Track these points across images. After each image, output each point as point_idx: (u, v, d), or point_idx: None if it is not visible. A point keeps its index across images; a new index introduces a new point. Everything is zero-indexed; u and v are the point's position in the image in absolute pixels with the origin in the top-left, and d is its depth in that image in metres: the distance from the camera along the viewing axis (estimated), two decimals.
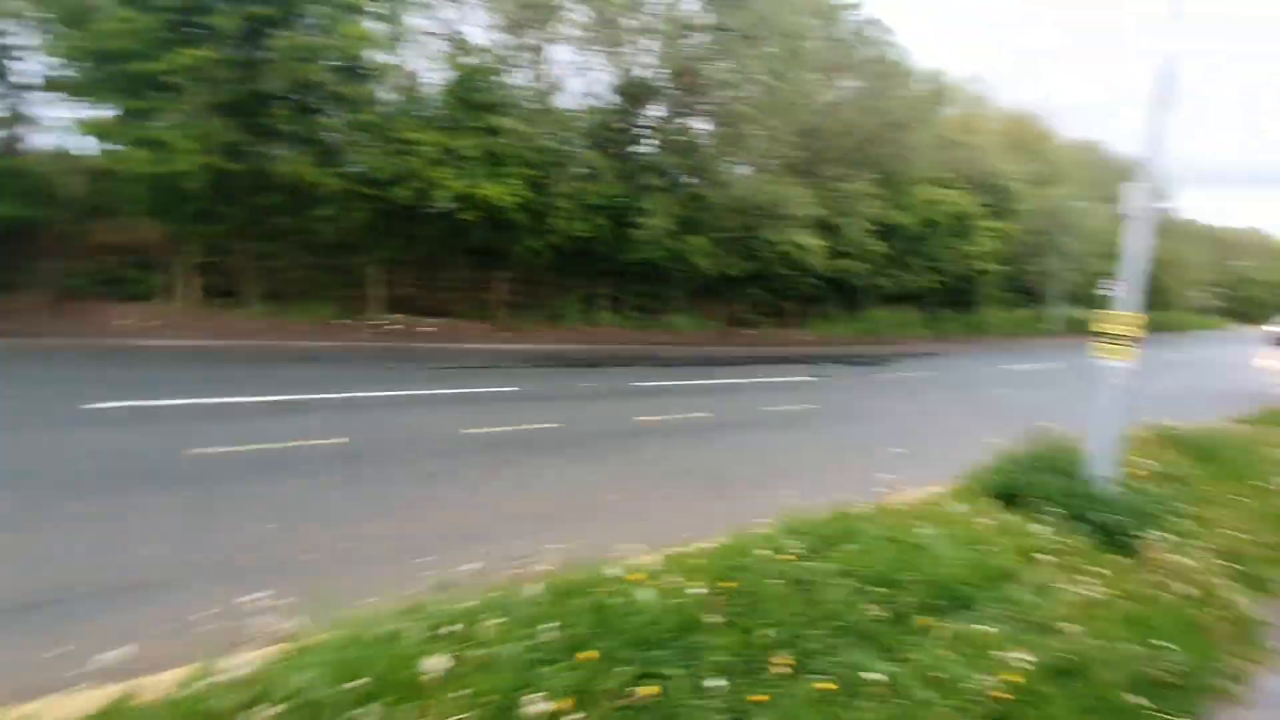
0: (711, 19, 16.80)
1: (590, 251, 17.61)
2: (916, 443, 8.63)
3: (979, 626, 3.33)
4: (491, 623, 2.72)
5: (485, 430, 7.29)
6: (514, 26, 16.56)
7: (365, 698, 2.26)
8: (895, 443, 8.55)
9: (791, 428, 9.05)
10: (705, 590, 3.14)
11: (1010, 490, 5.51)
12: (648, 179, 17.91)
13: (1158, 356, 24.81)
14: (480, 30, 16.34)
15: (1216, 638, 3.84)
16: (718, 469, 6.82)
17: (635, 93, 18.30)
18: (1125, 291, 5.45)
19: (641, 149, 19.53)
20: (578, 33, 16.41)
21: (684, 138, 19.58)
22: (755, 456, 7.45)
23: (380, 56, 14.38)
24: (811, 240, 20.16)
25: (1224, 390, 15.95)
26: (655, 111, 19.60)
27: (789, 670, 2.77)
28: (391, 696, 2.28)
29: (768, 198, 19.34)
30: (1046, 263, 32.10)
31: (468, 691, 2.33)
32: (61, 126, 13.22)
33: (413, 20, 15.15)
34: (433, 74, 16.01)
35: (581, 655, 2.51)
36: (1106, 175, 40.52)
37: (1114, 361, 5.48)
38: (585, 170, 17.02)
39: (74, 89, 12.35)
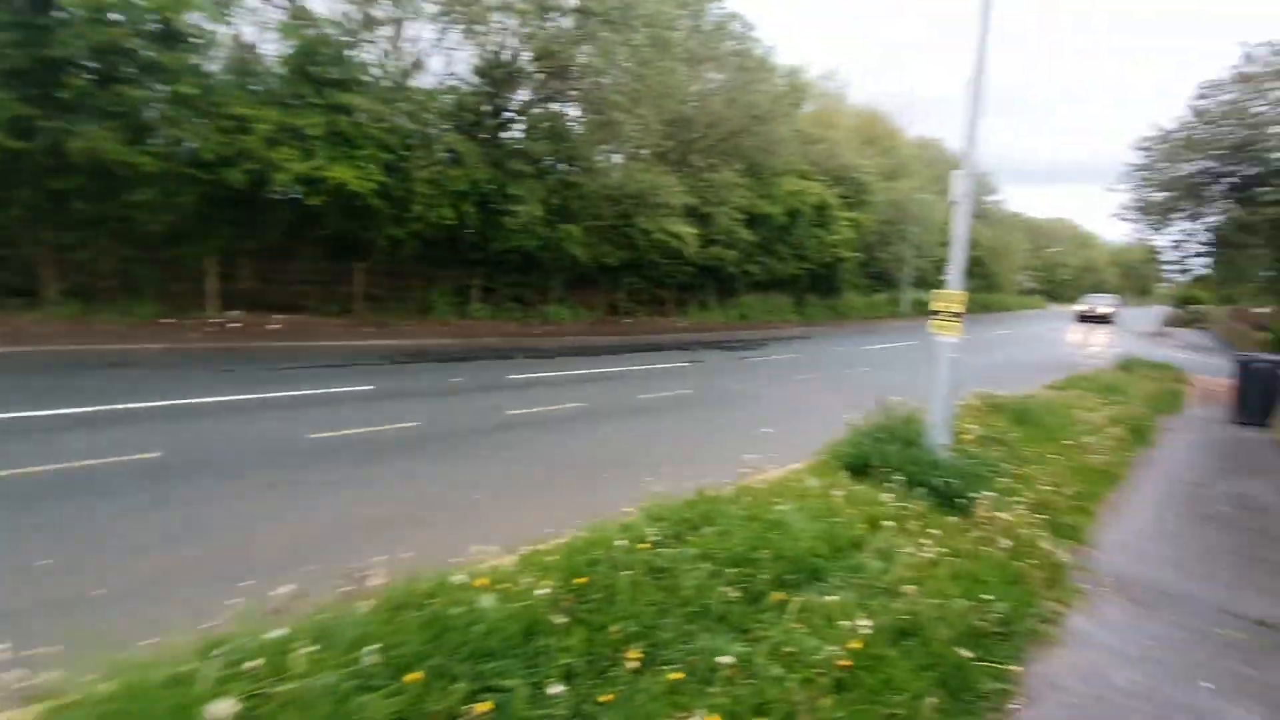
0: (574, 1, 16.50)
1: (458, 240, 16.85)
2: (783, 422, 8.98)
3: (829, 597, 3.41)
4: (305, 651, 2.37)
5: (335, 434, 6.66)
6: None
7: None
8: (764, 423, 8.85)
9: (665, 414, 9.10)
10: (555, 589, 2.96)
11: (862, 462, 5.81)
12: (517, 165, 17.38)
13: (988, 334, 27.85)
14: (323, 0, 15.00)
15: (1034, 585, 4.22)
16: (589, 460, 6.68)
17: (499, 75, 17.65)
18: (954, 272, 5.89)
19: (510, 134, 18.93)
20: (433, 7, 15.51)
21: (553, 123, 19.20)
22: (628, 445, 7.38)
23: (205, 23, 12.78)
24: (685, 229, 20.56)
25: (1042, 362, 18.10)
26: (522, 95, 19.06)
27: (639, 664, 2.65)
28: None
29: (641, 186, 19.47)
30: (897, 250, 34.99)
31: None
32: None
33: None
34: (272, 46, 14.52)
35: (409, 677, 2.24)
36: (946, 169, 44.79)
37: (946, 337, 5.92)
38: (448, 154, 16.20)
39: None
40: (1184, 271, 26.29)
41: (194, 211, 13.24)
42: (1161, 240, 22.86)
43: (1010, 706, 3.12)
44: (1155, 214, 22.06)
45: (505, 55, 17.68)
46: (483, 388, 9.79)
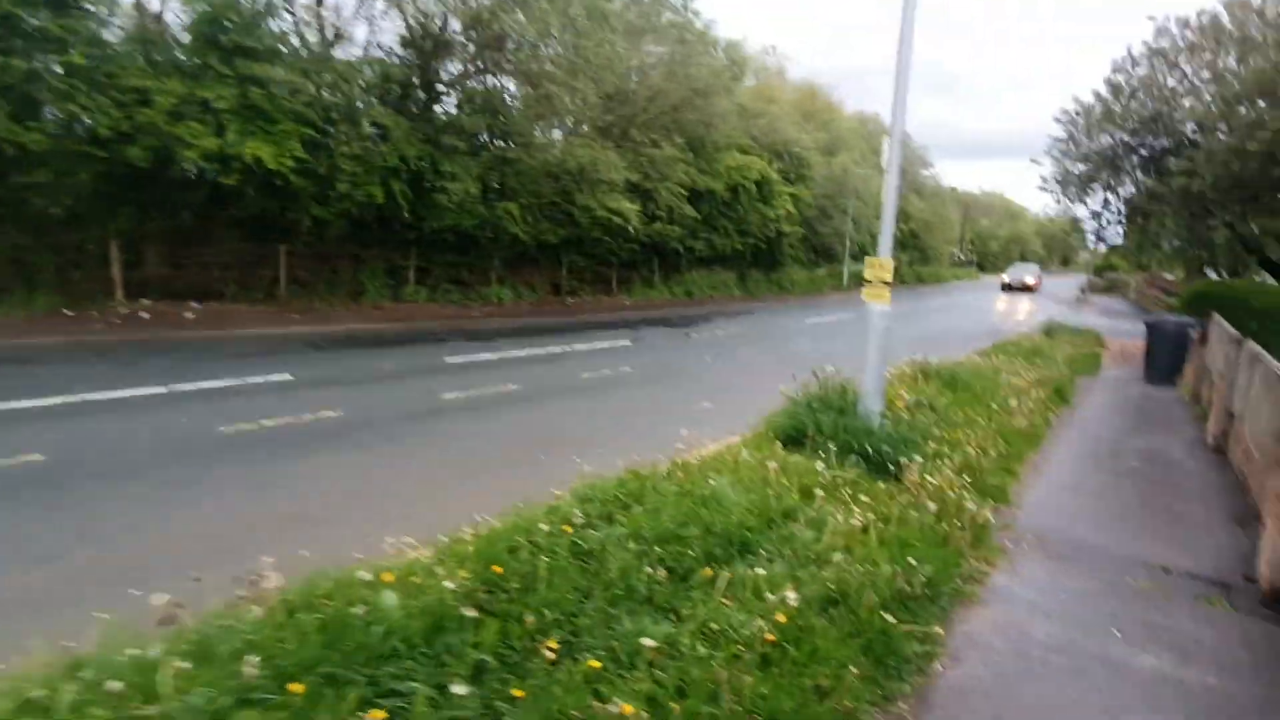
0: None
1: (390, 220, 16.14)
2: (724, 396, 8.97)
3: (759, 570, 3.36)
4: (180, 667, 2.15)
5: (250, 427, 6.26)
6: None
7: None
8: (705, 398, 8.82)
9: (606, 392, 8.97)
10: (469, 581, 2.80)
11: (797, 432, 5.82)
12: (450, 141, 16.72)
13: (923, 305, 28.74)
14: None
15: (959, 546, 4.30)
16: (524, 442, 6.50)
17: (427, 45, 16.87)
18: (884, 239, 5.92)
19: (442, 109, 18.19)
20: None
21: (488, 97, 18.53)
22: (565, 425, 7.23)
23: None
24: (627, 205, 20.29)
25: (973, 330, 18.76)
26: (454, 68, 18.30)
27: (557, 654, 2.53)
28: None
29: (581, 162, 19.04)
30: (837, 225, 35.58)
31: None
32: None
33: None
34: (177, 13, 13.42)
35: (293, 687, 2.05)
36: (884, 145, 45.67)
37: (877, 304, 5.96)
38: (375, 130, 15.44)
39: None
40: (1102, 241, 27.65)
41: (93, 192, 12.22)
42: (1082, 211, 23.91)
43: (934, 667, 3.15)
44: (1075, 185, 23.05)
45: (434, 24, 16.89)
46: (416, 372, 9.42)
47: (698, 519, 3.80)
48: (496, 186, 18.22)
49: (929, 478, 4.99)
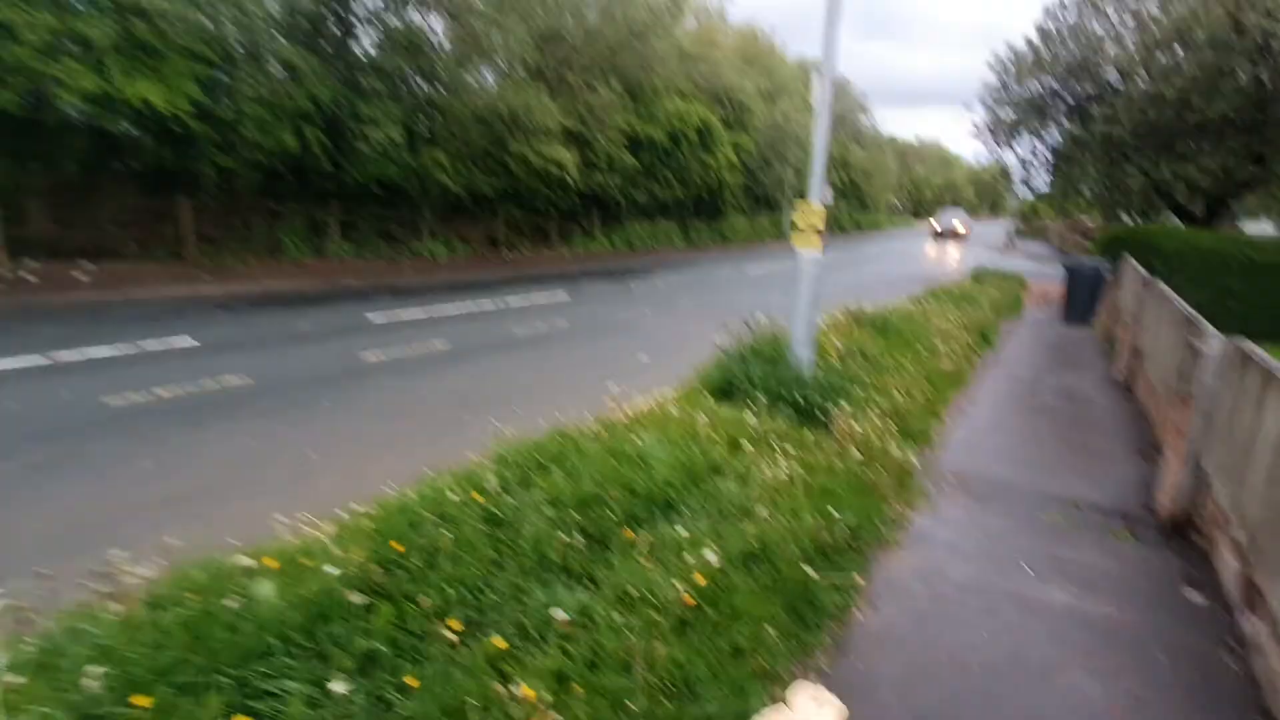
0: None
1: (307, 170, 15.06)
2: (661, 349, 8.85)
3: (681, 530, 3.28)
4: (8, 684, 1.89)
5: (143, 397, 5.75)
6: None
7: None
8: (641, 351, 8.68)
9: (539, 348, 8.70)
10: (362, 561, 2.59)
11: (729, 383, 5.75)
12: (369, 83, 15.57)
13: (860, 252, 29.22)
14: None
15: (883, 492, 4.34)
16: (450, 404, 6.22)
17: None
18: (814, 183, 5.77)
19: (359, 48, 16.85)
20: None
21: (409, 35, 17.26)
22: (494, 385, 6.96)
23: None
24: (565, 154, 19.57)
25: (907, 276, 19.16)
26: (371, 2, 16.89)
27: (458, 636, 2.37)
28: None
29: (514, 108, 18.14)
30: (778, 173, 35.46)
31: None
32: None
33: None
34: None
35: (139, 700, 1.83)
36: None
37: (808, 251, 5.85)
38: (284, 70, 14.19)
39: None
40: (1029, 187, 28.46)
41: None
42: (1011, 158, 24.41)
43: (853, 616, 3.16)
44: (1005, 132, 23.46)
45: None
46: (336, 333, 8.90)
47: (621, 479, 3.68)
48: (423, 134, 17.19)
49: (857, 425, 5.01)
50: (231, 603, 2.24)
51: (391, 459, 4.72)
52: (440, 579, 2.61)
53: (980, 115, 23.90)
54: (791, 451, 4.47)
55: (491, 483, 3.45)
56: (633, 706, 2.20)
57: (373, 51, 16.92)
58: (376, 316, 10.04)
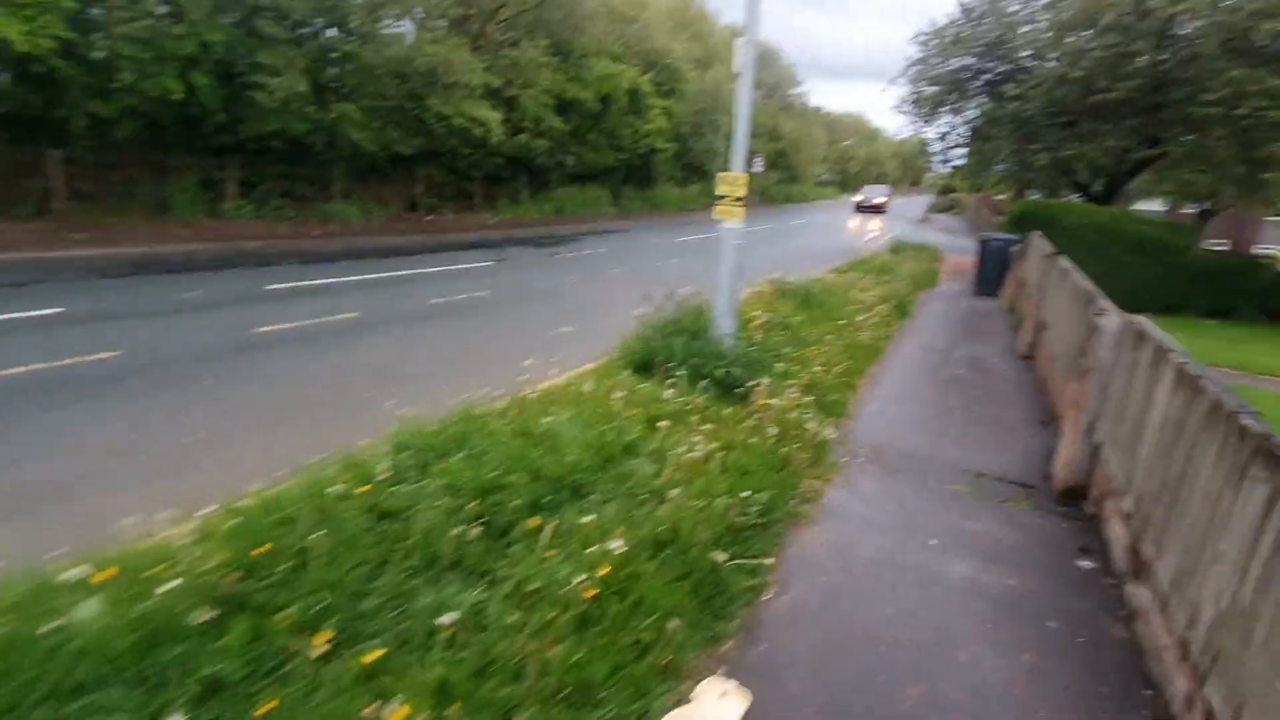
0: None
1: (197, 121, 13.71)
2: (585, 320, 8.61)
3: (588, 517, 3.10)
4: None
5: None
6: None
7: None
8: (565, 322, 8.41)
9: (455, 319, 8.28)
10: (219, 568, 2.29)
11: (649, 357, 5.59)
12: (266, 26, 14.20)
13: (788, 224, 29.64)
14: None
15: (798, 467, 4.32)
16: (352, 380, 5.78)
17: None
18: (737, 152, 5.60)
19: None
20: None
21: None
22: (403, 359, 6.55)
23: None
24: (488, 113, 18.66)
25: (831, 248, 19.54)
26: None
27: (327, 649, 2.12)
28: None
29: (432, 61, 17.07)
30: (710, 141, 35.28)
31: None
32: None
33: None
34: None
35: None
36: (758, 59, 45.40)
37: (730, 222, 5.71)
38: (164, 6, 12.73)
39: None
40: (946, 162, 29.48)
41: None
42: (931, 133, 25.12)
43: (764, 599, 3.11)
44: (926, 107, 24.08)
45: None
46: (228, 302, 8.16)
47: (528, 463, 3.46)
48: (331, 84, 15.95)
49: (776, 399, 4.97)
50: (52, 625, 1.91)
51: (278, 445, 4.32)
52: (311, 585, 2.34)
53: (905, 90, 24.38)
54: (709, 428, 4.37)
55: (383, 471, 3.16)
56: (520, 718, 2.03)
57: None
58: (277, 284, 9.30)
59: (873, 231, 27.88)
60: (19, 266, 9.12)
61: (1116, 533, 3.55)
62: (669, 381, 5.13)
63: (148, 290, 8.52)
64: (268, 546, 2.46)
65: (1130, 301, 5.15)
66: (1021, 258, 11.44)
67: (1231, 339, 12.73)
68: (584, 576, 2.65)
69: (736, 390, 5.21)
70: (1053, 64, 17.55)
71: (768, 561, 3.27)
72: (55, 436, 4.26)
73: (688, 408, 4.73)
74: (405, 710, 1.88)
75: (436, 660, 2.17)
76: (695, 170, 36.42)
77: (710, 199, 25.29)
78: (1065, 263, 7.37)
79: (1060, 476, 4.51)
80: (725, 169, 5.69)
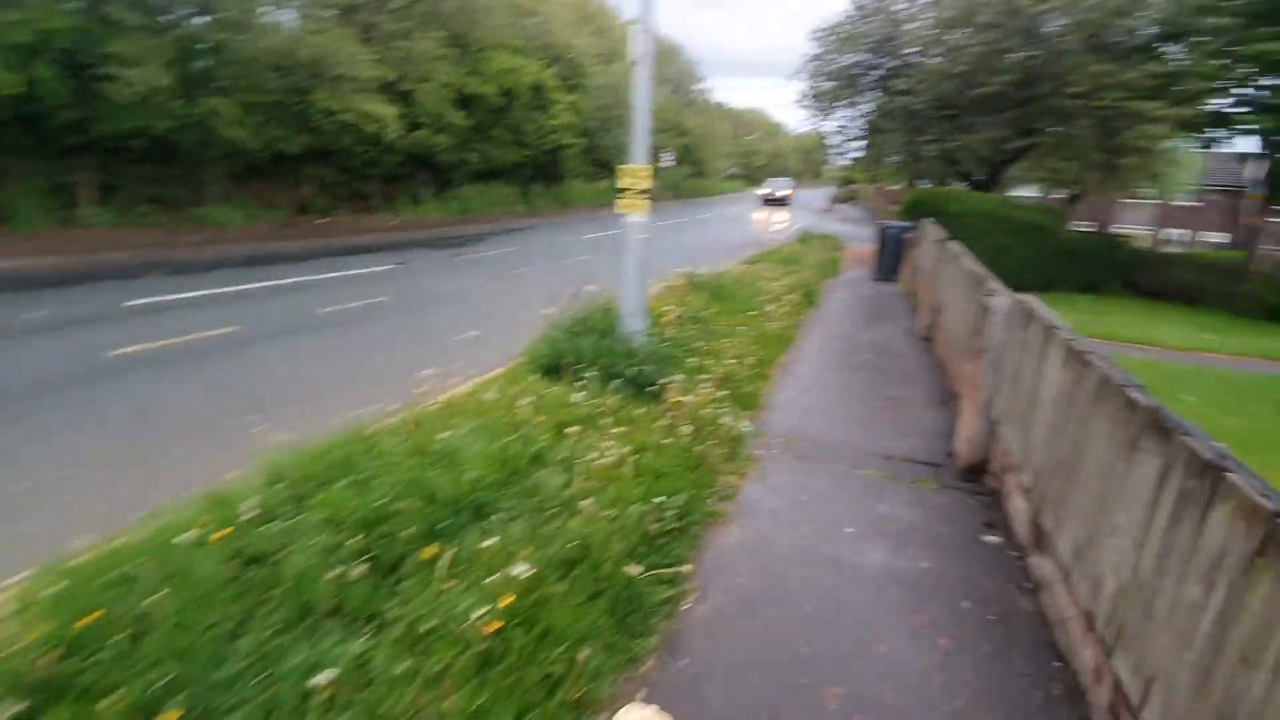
0: None
1: (42, 119, 12.18)
2: (493, 323, 8.25)
3: (491, 539, 2.85)
4: None
5: None
6: None
7: None
8: (472, 326, 8.02)
9: (352, 328, 7.71)
10: (37, 646, 1.89)
11: (557, 360, 5.36)
12: (119, 13, 12.79)
13: (697, 216, 30.03)
14: None
15: (714, 464, 4.23)
16: (228, 403, 5.21)
17: None
18: (638, 142, 5.45)
19: None
20: None
21: None
22: (290, 375, 6.00)
23: None
24: (382, 108, 17.70)
25: (741, 240, 19.89)
26: None
27: None
28: None
29: (315, 52, 15.99)
30: (618, 136, 35.17)
31: None
32: None
33: None
34: None
35: None
36: (658, 55, 45.78)
37: (634, 216, 5.56)
38: None
39: None
40: (844, 155, 30.73)
41: None
42: (829, 126, 26.06)
43: (683, 608, 2.96)
44: (824, 101, 24.97)
45: None
46: (81, 322, 7.23)
47: (422, 484, 3.16)
48: (199, 77, 14.60)
49: (689, 396, 4.86)
50: None
51: (127, 488, 3.78)
52: (153, 656, 1.98)
53: (804, 85, 25.14)
54: (621, 431, 4.19)
55: (250, 509, 2.78)
56: None
57: None
58: (141, 299, 8.35)
59: (779, 223, 28.69)
60: None
61: (1018, 506, 3.66)
62: (579, 384, 4.91)
63: None
64: (99, 614, 2.07)
65: (1012, 281, 5.39)
66: (916, 244, 11.98)
67: (1100, 311, 13.92)
68: (485, 609, 2.41)
69: (649, 389, 5.06)
70: (937, 60, 18.57)
71: (685, 569, 3.13)
72: None
73: (599, 410, 4.54)
74: None
75: None
76: (605, 166, 36.22)
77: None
78: (956, 247, 7.71)
79: (962, 454, 4.66)
80: (623, 164, 5.52)
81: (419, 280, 11.08)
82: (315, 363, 6.39)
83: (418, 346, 7.13)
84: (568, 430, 4.06)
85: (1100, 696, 2.25)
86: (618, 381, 5.04)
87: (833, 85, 24.45)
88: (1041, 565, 3.10)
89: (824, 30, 23.72)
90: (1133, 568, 2.05)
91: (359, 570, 2.55)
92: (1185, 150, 19.17)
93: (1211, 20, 13.46)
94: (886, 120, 22.43)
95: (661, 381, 5.06)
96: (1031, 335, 3.63)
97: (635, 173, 5.44)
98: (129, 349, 6.23)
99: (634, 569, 2.84)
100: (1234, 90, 15.04)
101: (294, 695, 1.99)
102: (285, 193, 18.29)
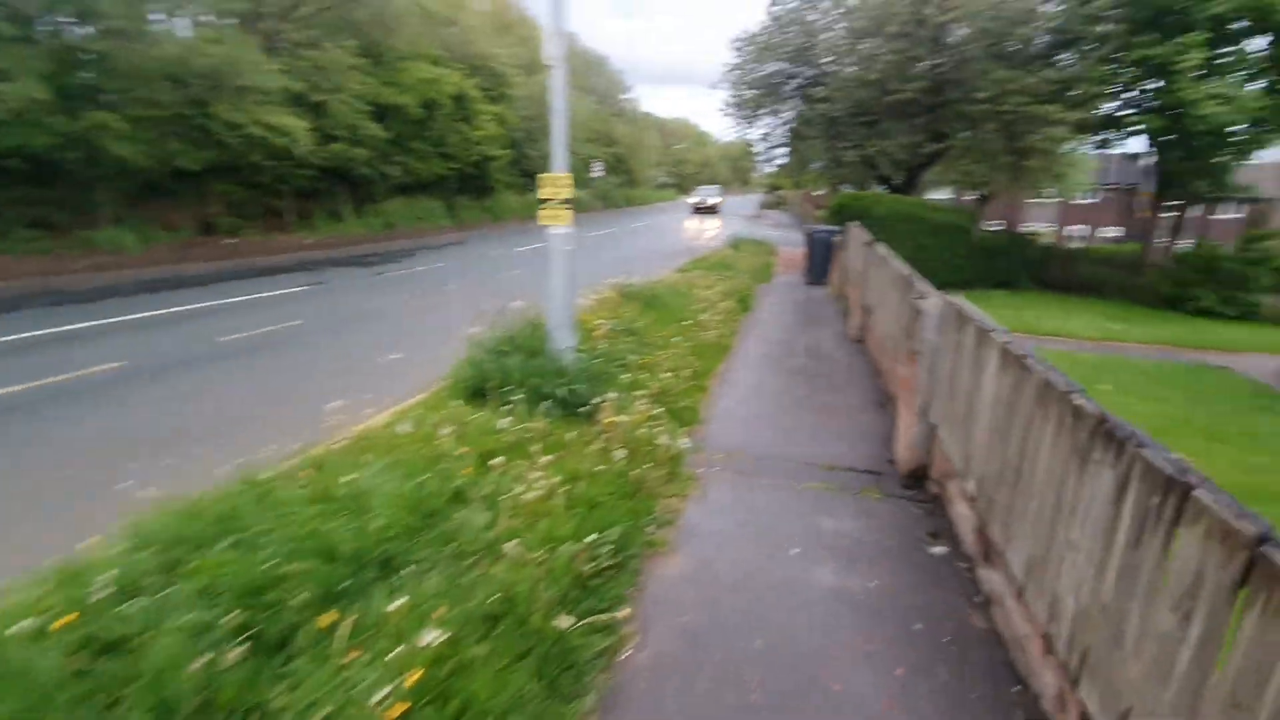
0: None
1: None
2: (418, 344, 7.79)
3: (400, 600, 2.50)
4: None
5: None
6: None
7: None
8: (395, 348, 7.54)
9: (257, 357, 7.09)
10: None
11: (483, 382, 5.01)
12: None
13: (630, 225, 30.00)
14: None
15: (651, 487, 3.98)
16: (98, 453, 4.61)
17: None
18: (557, 150, 5.19)
19: None
20: None
21: None
22: (177, 415, 5.39)
23: None
24: (292, 120, 16.78)
25: (672, 247, 19.88)
26: None
27: None
28: None
29: (214, 62, 14.97)
30: (545, 147, 34.75)
31: None
32: None
33: None
34: None
35: None
36: (584, 65, 45.78)
37: (558, 227, 5.28)
38: None
39: None
40: (770, 162, 31.39)
41: None
42: (754, 134, 26.53)
43: (621, 657, 2.69)
44: (747, 110, 25.40)
45: None
46: None
47: (320, 540, 2.78)
48: (82, 90, 13.41)
49: (624, 415, 4.61)
50: None
51: None
52: None
53: (727, 94, 25.50)
54: (552, 458, 3.89)
55: (106, 584, 2.34)
56: None
57: None
58: (9, 336, 7.45)
59: (711, 230, 28.96)
60: None
61: (962, 513, 3.57)
62: (505, 408, 4.59)
63: None
64: None
65: (933, 279, 5.43)
66: (843, 247, 12.18)
67: (1016, 307, 14.56)
68: (386, 690, 2.06)
69: (582, 409, 4.78)
70: (851, 69, 19.13)
71: (622, 614, 2.85)
72: None
73: (527, 436, 4.23)
74: None
75: None
76: (534, 177, 35.61)
77: None
78: (882, 249, 7.79)
79: (902, 459, 4.59)
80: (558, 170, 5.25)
81: (337, 301, 10.43)
82: (211, 399, 5.78)
83: (332, 374, 6.61)
84: (493, 461, 3.73)
85: None
86: (548, 403, 4.74)
87: (754, 94, 24.87)
88: (991, 579, 2.99)
89: (743, 40, 24.10)
90: (1092, 590, 1.92)
91: (236, 652, 2.15)
92: (1083, 151, 20.46)
93: (1100, 28, 14.37)
94: (807, 127, 22.97)
95: (594, 400, 4.79)
96: (966, 338, 3.56)
97: (556, 181, 5.17)
98: None
99: (565, 621, 2.55)
100: (1122, 94, 16.12)
101: None
102: (188, 212, 17.05)
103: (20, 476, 4.21)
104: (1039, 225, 31.90)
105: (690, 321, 8.23)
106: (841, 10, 19.55)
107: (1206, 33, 13.51)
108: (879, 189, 22.50)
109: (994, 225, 25.60)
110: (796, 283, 13.81)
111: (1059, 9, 15.23)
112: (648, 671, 2.63)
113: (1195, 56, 13.35)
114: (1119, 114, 16.80)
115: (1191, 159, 15.52)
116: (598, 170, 36.47)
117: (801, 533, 3.77)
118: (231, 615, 2.29)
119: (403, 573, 2.75)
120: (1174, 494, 1.58)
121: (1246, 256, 16.58)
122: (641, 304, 8.49)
